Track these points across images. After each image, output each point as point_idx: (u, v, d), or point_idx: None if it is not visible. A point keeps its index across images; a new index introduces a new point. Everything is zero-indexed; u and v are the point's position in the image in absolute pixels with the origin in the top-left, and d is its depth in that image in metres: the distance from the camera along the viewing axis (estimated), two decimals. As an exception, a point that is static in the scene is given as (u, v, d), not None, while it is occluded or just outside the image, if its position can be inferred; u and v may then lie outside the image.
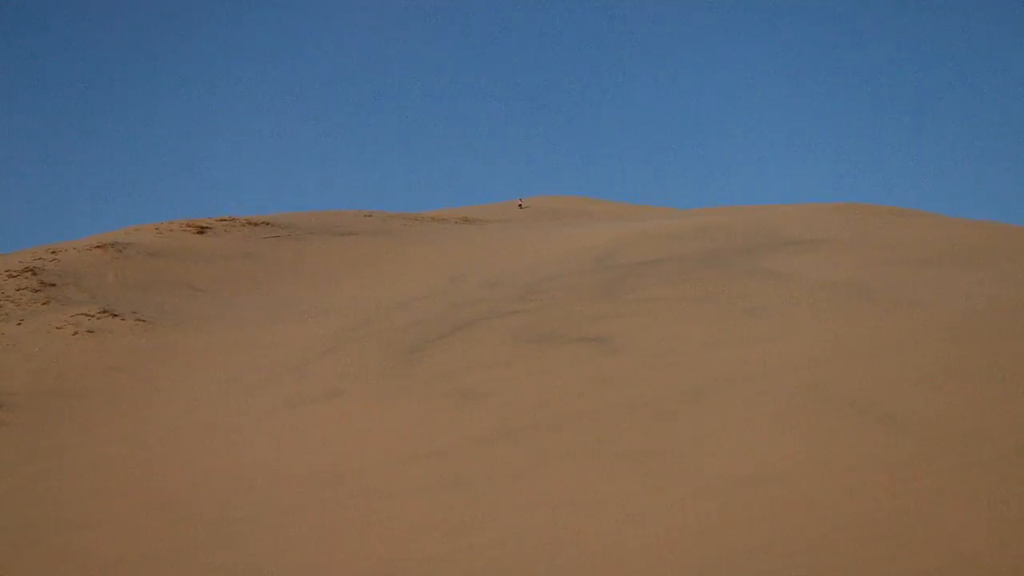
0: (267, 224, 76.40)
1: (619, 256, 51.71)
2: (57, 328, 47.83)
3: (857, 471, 17.59)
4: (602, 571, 16.06)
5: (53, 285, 55.59)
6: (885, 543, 14.57)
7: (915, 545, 14.24)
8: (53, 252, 64.03)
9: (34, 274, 57.37)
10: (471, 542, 18.86)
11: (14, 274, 57.37)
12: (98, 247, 64.66)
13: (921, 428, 18.95)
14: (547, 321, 36.80)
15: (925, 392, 20.98)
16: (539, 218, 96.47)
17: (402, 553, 19.11)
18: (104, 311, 50.40)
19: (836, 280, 35.68)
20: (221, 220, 76.33)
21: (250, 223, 76.36)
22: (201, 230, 72.64)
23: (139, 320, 49.32)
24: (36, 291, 54.13)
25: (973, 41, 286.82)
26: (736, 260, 44.28)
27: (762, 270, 40.37)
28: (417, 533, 20.08)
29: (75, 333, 47.03)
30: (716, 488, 18.35)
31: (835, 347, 26.22)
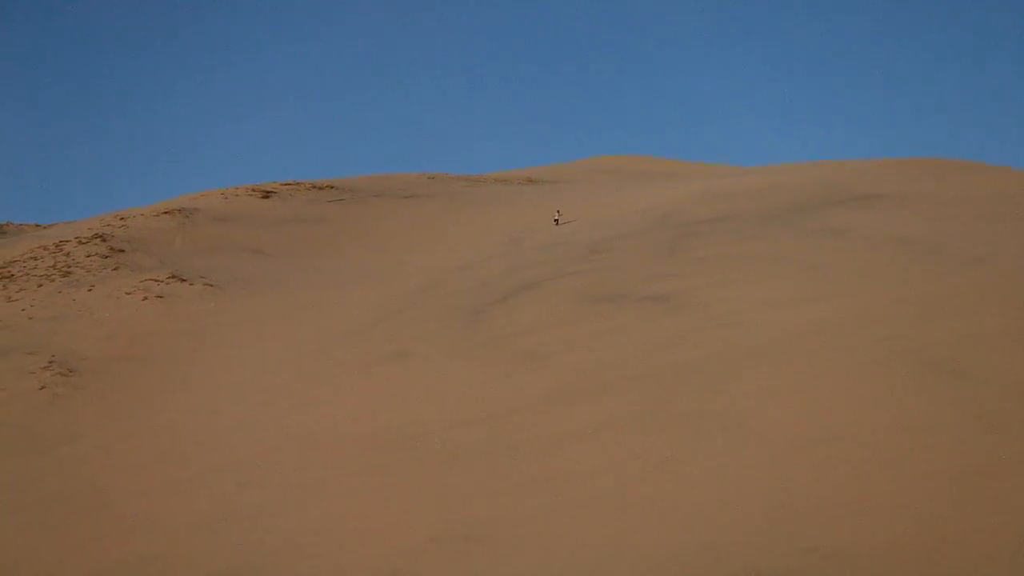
0: (331, 188, 76.80)
1: (681, 215, 51.43)
2: (127, 293, 48.53)
3: (930, 430, 17.43)
4: (666, 535, 16.09)
5: (122, 251, 56.40)
6: (962, 501, 14.48)
7: (993, 503, 14.14)
8: (122, 218, 64.91)
9: (104, 240, 58.23)
10: (532, 505, 18.96)
11: (84, 240, 58.27)
12: (165, 213, 65.46)
13: (993, 385, 18.71)
14: (609, 281, 36.73)
15: (996, 348, 20.70)
16: (601, 178, 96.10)
17: (465, 515, 19.25)
18: (173, 276, 51.08)
19: (900, 236, 35.22)
20: (286, 184, 76.88)
21: (315, 187, 76.82)
22: (266, 195, 73.24)
23: (207, 285, 49.92)
24: (106, 257, 54.95)
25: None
26: (798, 217, 43.86)
27: (824, 227, 39.95)
28: (479, 496, 20.21)
29: (145, 298, 47.71)
30: (783, 448, 18.26)
31: (901, 304, 25.93)
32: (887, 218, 40.53)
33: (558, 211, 61.93)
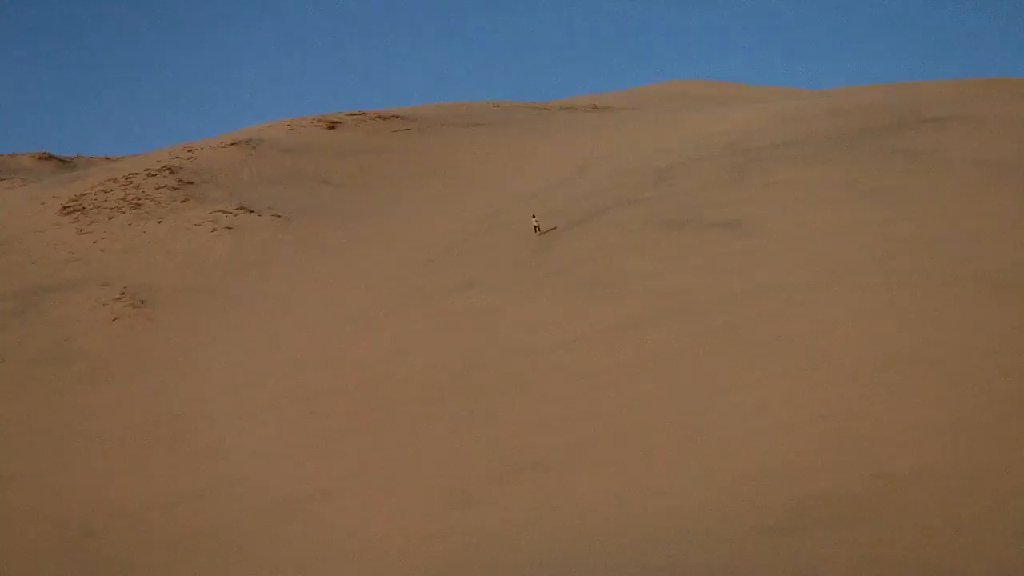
0: (397, 117, 76.62)
1: (750, 140, 50.75)
2: (196, 225, 48.97)
3: (1006, 352, 17.15)
4: (733, 460, 16.02)
5: (191, 183, 56.79)
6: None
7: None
8: (189, 151, 65.29)
9: (172, 172, 58.66)
10: (601, 431, 18.96)
11: (153, 173, 58.73)
12: (232, 144, 65.71)
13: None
14: (678, 208, 36.42)
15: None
16: (669, 103, 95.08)
17: (534, 442, 19.31)
18: (241, 207, 51.39)
19: (978, 158, 34.50)
20: (351, 115, 76.78)
21: (380, 117, 76.67)
22: (332, 125, 73.24)
23: (275, 216, 50.18)
24: (175, 189, 55.39)
25: None
26: (870, 140, 43.09)
27: (897, 149, 39.24)
28: (549, 424, 20.24)
29: (214, 230, 48.09)
30: (853, 372, 18.05)
31: (974, 227, 25.45)
32: (965, 140, 39.68)
33: (534, 216, 58.15)
